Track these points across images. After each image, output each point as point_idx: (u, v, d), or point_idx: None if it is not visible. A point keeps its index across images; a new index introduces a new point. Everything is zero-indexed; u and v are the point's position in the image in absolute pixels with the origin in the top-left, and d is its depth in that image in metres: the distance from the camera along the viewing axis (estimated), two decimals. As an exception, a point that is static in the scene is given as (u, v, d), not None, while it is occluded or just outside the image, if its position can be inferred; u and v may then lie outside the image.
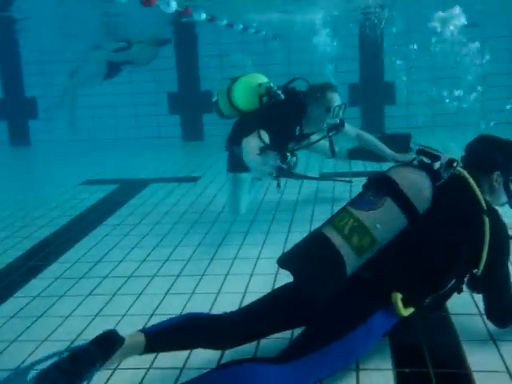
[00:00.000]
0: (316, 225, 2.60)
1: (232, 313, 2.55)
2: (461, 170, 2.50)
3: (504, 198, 2.64)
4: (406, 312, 2.34)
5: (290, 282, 2.54)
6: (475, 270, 2.42)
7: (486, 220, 2.38)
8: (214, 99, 4.60)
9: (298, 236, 2.82)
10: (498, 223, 2.45)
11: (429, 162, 2.52)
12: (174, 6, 4.70)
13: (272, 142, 3.83)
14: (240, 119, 4.46)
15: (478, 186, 2.46)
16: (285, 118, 4.15)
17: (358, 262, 2.36)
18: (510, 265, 2.53)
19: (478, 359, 2.50)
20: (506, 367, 2.45)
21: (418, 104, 7.96)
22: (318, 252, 2.40)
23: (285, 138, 4.21)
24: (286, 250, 2.52)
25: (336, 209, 2.61)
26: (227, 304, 2.97)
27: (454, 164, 2.47)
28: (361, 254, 2.35)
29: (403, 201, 2.41)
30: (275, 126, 3.98)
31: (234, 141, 4.33)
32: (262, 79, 4.39)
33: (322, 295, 2.32)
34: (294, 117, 4.21)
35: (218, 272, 3.65)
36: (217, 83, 8.27)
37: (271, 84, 4.31)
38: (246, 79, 4.41)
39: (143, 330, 2.35)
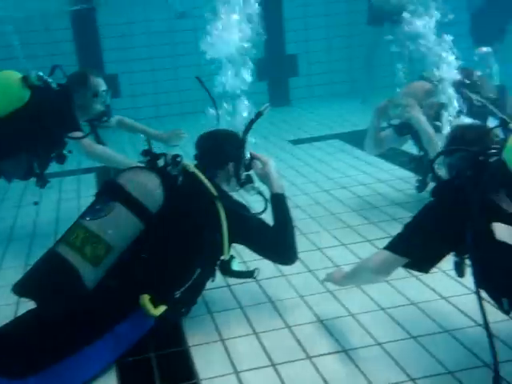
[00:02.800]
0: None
1: None
2: (188, 165, 2.62)
3: (237, 185, 2.81)
4: (158, 311, 2.37)
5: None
6: (223, 257, 2.55)
7: (219, 204, 2.51)
8: None
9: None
10: (230, 201, 2.61)
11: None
12: None
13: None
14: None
15: (213, 178, 2.63)
16: (61, 108, 3.73)
17: (96, 272, 2.34)
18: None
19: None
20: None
21: (141, 95, 8.04)
22: (52, 270, 2.36)
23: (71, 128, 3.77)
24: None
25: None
26: None
27: (178, 159, 2.58)
28: (97, 263, 2.33)
29: (132, 203, 2.43)
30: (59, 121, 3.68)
31: None
32: (17, 74, 3.72)
33: (60, 312, 2.28)
34: (66, 106, 3.77)
35: None
36: None
37: (40, 73, 3.74)
38: None
39: None
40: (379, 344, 2.44)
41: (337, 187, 4.59)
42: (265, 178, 2.83)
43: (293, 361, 2.39)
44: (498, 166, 1.96)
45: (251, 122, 2.84)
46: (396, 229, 3.56)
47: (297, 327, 2.64)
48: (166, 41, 8.00)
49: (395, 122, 3.89)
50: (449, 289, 2.80)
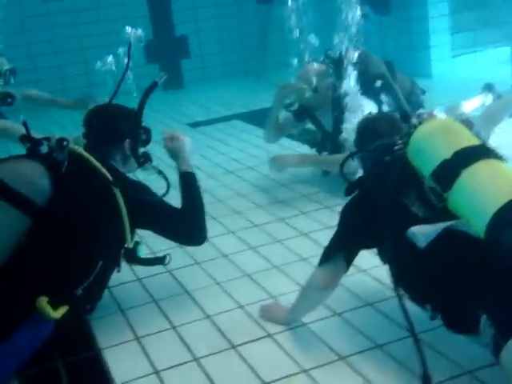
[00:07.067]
0: None
1: None
2: (77, 148, 2.34)
3: (135, 164, 2.59)
4: (59, 313, 2.12)
5: None
6: (126, 245, 2.33)
7: (117, 191, 2.27)
8: None
9: None
10: (128, 185, 2.38)
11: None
12: None
13: None
14: None
15: (107, 160, 2.39)
16: None
17: None
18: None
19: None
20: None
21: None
22: None
23: None
24: None
25: None
26: None
27: (65, 143, 2.29)
28: None
29: (13, 196, 2.14)
30: None
31: None
32: None
33: None
34: None
35: None
36: None
37: None
38: None
39: None
40: (304, 325, 2.34)
41: (242, 168, 4.47)
42: (175, 153, 2.62)
43: (216, 352, 2.24)
44: (403, 164, 1.89)
45: (146, 93, 2.64)
46: (306, 204, 3.58)
47: (217, 316, 2.49)
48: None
49: (294, 107, 3.84)
50: (366, 261, 2.75)
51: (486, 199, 1.65)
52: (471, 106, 4.15)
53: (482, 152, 1.77)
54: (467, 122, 3.16)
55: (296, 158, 3.76)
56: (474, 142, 1.82)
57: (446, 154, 1.76)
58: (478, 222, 1.66)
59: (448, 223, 1.73)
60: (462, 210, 1.73)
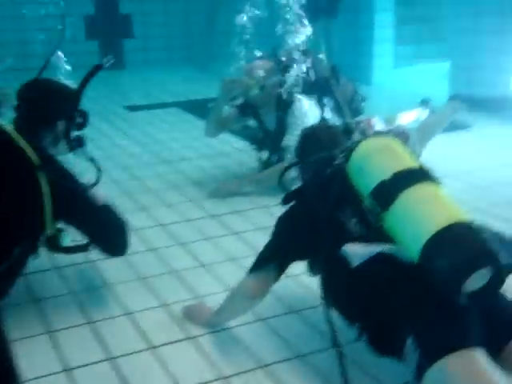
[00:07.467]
0: None
1: None
2: (3, 124, 2.20)
3: (66, 148, 2.43)
4: None
5: None
6: (48, 232, 2.19)
7: (42, 175, 2.12)
8: None
9: None
10: (56, 171, 2.22)
11: None
12: None
13: None
14: None
15: (38, 140, 2.25)
16: None
17: None
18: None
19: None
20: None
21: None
22: None
23: None
24: None
25: None
26: None
27: None
28: None
29: None
30: None
31: None
32: None
33: None
34: None
35: None
36: None
37: None
38: None
39: None
40: (227, 329, 2.27)
41: (178, 159, 4.35)
42: None
43: (133, 352, 2.14)
44: (343, 179, 1.85)
45: (89, 75, 2.47)
46: (240, 202, 3.51)
47: (138, 314, 2.38)
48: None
49: (238, 101, 3.77)
50: (296, 267, 2.71)
51: (421, 224, 1.64)
52: (408, 118, 4.22)
53: (421, 175, 1.76)
54: (403, 135, 3.18)
55: (235, 184, 3.69)
56: (414, 164, 1.80)
57: (385, 174, 1.75)
58: (412, 246, 1.65)
59: (383, 247, 1.71)
60: (397, 232, 1.71)
